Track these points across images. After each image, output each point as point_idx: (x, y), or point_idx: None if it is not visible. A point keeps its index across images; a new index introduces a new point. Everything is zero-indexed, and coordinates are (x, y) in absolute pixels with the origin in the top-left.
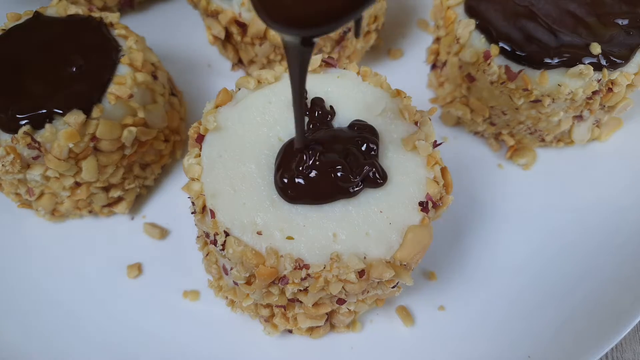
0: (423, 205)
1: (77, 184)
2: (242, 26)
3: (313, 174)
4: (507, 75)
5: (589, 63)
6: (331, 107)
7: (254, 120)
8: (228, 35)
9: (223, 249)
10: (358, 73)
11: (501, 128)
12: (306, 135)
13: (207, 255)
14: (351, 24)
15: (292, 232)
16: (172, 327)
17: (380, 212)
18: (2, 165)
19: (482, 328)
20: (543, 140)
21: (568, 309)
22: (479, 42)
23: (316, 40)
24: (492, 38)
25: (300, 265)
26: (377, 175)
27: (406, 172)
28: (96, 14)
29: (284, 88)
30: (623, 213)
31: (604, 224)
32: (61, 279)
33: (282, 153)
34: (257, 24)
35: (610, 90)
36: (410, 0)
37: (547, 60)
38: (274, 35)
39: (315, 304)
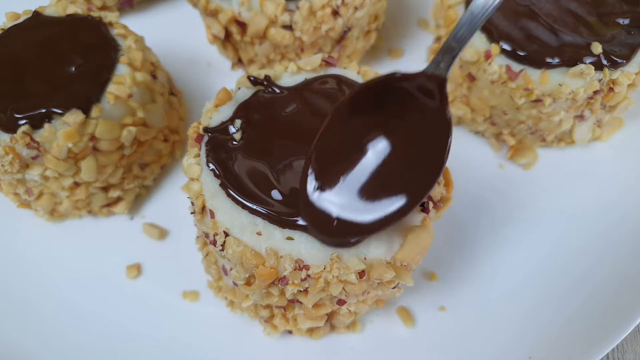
0: (423, 206)
1: (76, 184)
2: (242, 25)
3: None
4: (508, 75)
5: (590, 62)
6: None
7: None
8: (228, 35)
9: (223, 250)
10: (358, 72)
11: (502, 128)
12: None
13: (206, 255)
14: (351, 23)
15: (292, 232)
16: (171, 328)
17: None
18: (1, 165)
19: (482, 328)
20: (544, 140)
21: (569, 309)
22: (480, 41)
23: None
24: (492, 37)
25: (300, 265)
26: None
27: None
28: (95, 13)
29: None
30: (624, 213)
31: (605, 224)
32: (60, 280)
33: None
34: (256, 23)
35: (611, 89)
36: None
37: (548, 60)
38: (274, 35)
39: (315, 305)
